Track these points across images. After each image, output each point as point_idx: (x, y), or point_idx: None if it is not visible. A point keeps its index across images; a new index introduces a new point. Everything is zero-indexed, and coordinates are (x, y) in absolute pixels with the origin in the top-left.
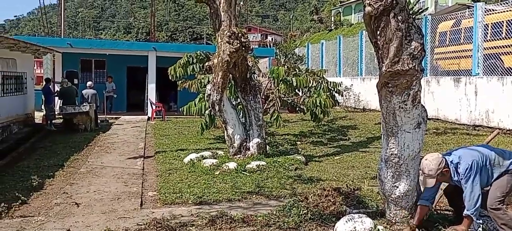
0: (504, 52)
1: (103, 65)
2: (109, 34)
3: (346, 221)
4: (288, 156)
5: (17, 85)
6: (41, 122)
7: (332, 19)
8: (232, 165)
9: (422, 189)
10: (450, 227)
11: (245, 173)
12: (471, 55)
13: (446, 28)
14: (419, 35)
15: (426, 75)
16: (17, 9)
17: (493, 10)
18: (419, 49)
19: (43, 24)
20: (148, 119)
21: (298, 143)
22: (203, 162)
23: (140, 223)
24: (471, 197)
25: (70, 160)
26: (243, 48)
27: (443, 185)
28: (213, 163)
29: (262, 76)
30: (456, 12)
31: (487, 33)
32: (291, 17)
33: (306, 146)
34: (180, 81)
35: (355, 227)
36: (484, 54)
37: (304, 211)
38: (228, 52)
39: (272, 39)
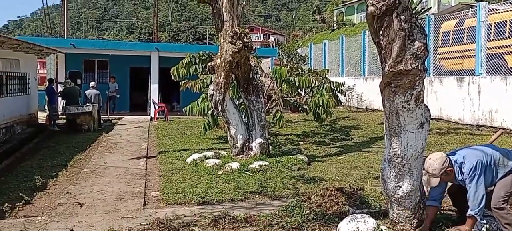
0: (507, 52)
1: (106, 65)
2: (112, 35)
3: (349, 221)
4: (291, 156)
5: (20, 85)
6: (44, 122)
7: (335, 19)
8: (234, 165)
9: (425, 189)
10: (453, 227)
11: (247, 173)
12: (474, 55)
13: (449, 28)
14: (422, 35)
15: (429, 75)
16: (20, 10)
17: (496, 9)
18: (422, 49)
19: (46, 24)
20: (151, 119)
21: (301, 143)
22: (206, 162)
23: (143, 223)
24: (475, 197)
25: (73, 160)
26: (246, 48)
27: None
28: (215, 163)
29: (264, 76)
30: (459, 12)
31: (490, 32)
32: (293, 17)
33: (308, 146)
34: (182, 82)
35: (358, 227)
36: (487, 54)
37: (307, 211)
38: (231, 52)
39: (274, 39)
